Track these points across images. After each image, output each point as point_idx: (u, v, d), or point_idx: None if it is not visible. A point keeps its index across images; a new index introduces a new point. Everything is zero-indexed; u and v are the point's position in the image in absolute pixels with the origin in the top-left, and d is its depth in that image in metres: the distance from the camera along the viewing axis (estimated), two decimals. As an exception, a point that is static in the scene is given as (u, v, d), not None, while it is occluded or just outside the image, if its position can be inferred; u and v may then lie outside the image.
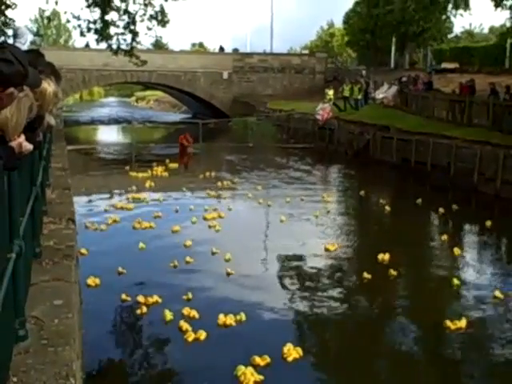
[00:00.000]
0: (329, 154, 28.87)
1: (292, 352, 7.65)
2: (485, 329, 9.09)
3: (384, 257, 11.86)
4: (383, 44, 53.48)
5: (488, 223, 15.02)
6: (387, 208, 17.09)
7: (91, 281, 9.96)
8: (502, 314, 9.54)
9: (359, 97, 33.66)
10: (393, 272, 11.04)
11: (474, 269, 12.16)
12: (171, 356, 7.94)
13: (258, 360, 7.39)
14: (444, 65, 41.64)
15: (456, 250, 12.63)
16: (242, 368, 7.07)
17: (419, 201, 17.75)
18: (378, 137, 26.18)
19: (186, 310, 8.93)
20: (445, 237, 13.95)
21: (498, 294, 9.99)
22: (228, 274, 10.90)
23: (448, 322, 8.77)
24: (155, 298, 9.51)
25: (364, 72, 43.33)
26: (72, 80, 43.59)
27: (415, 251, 13.43)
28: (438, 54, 49.46)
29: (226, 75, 48.82)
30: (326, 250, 12.62)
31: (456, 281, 10.65)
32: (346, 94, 34.19)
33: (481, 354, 8.33)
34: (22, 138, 3.22)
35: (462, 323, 8.76)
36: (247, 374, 6.97)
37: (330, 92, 35.51)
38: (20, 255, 3.40)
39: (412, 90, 31.06)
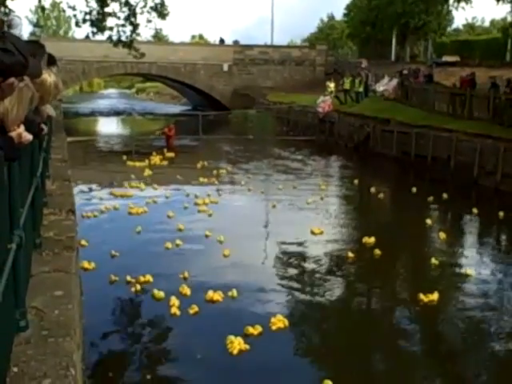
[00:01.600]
0: (328, 147, 28.87)
1: (277, 322, 8.14)
2: (454, 301, 9.86)
3: (368, 240, 12.48)
4: (384, 37, 53.43)
5: (475, 210, 15.50)
6: (381, 196, 17.44)
7: (87, 264, 10.10)
8: (470, 289, 10.31)
9: (360, 89, 33.59)
10: (377, 252, 11.66)
11: (453, 250, 12.98)
12: (165, 331, 8.28)
13: (250, 330, 7.84)
14: (445, 58, 41.63)
15: (441, 234, 13.19)
16: (231, 338, 7.49)
17: (414, 189, 18.09)
18: (378, 130, 26.15)
19: (182, 288, 9.34)
20: (432, 222, 14.51)
21: (469, 271, 10.83)
22: (224, 256, 11.35)
23: (421, 295, 9.37)
24: (148, 277, 9.81)
25: (365, 64, 43.27)
26: (72, 71, 43.54)
27: (402, 235, 14.03)
28: (438, 47, 49.44)
29: (226, 67, 48.73)
30: (312, 233, 13.14)
31: (434, 260, 11.32)
32: (347, 86, 34.13)
33: (450, 323, 9.09)
34: (22, 128, 3.22)
35: (434, 296, 9.39)
36: (235, 342, 7.40)
37: (332, 85, 35.44)
38: (20, 246, 3.39)
39: (413, 82, 31.01)
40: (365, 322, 8.93)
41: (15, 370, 2.98)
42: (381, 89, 33.07)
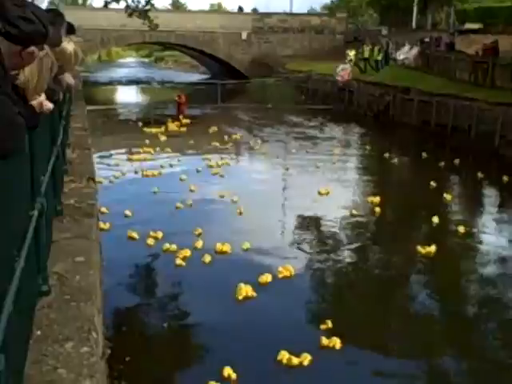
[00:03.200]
0: (347, 116, 28.66)
1: (284, 271, 8.74)
2: (450, 253, 10.67)
3: (374, 199, 13.17)
4: (405, 4, 52.45)
5: (483, 175, 15.93)
6: (394, 162, 18.03)
7: (102, 224, 10.27)
8: (467, 244, 11.03)
9: (379, 58, 33.18)
10: (381, 210, 12.46)
11: (456, 211, 13.65)
12: (179, 282, 8.72)
13: (259, 278, 8.40)
14: (467, 25, 40.79)
15: (447, 196, 13.74)
16: (241, 285, 7.98)
17: (424, 155, 18.48)
18: (399, 98, 25.88)
19: (197, 242, 9.89)
20: (439, 185, 14.80)
21: (461, 229, 11.27)
22: (239, 214, 11.94)
23: (419, 247, 10.06)
24: (162, 233, 10.29)
25: (385, 32, 42.64)
26: (90, 40, 43.40)
27: (409, 196, 14.85)
28: (461, 14, 48.43)
29: (244, 36, 48.33)
30: (319, 193, 13.71)
31: (436, 218, 11.73)
32: (366, 55, 33.73)
33: (444, 271, 9.75)
34: (43, 97, 3.25)
35: (432, 249, 10.04)
36: (242, 289, 7.90)
37: (351, 53, 35.02)
38: (42, 213, 3.46)
39: (434, 51, 30.54)
40: (364, 271, 9.59)
41: (38, 333, 3.06)
42: (401, 57, 32.61)
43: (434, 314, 8.21)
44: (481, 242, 11.13)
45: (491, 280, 9.33)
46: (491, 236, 11.55)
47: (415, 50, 31.91)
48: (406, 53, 32.71)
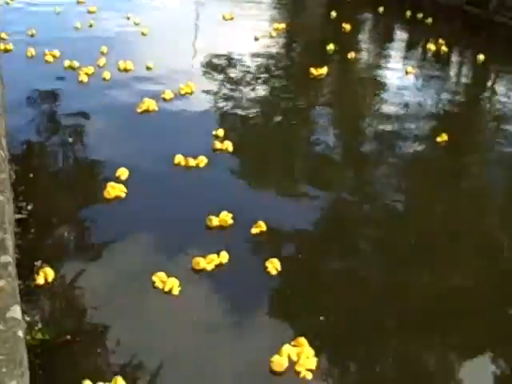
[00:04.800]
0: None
1: (185, 88, 8.79)
2: (338, 76, 10.73)
3: (278, 26, 13.22)
4: None
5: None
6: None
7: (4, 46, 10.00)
8: (352, 69, 11.15)
9: None
10: (277, 34, 12.77)
11: (351, 40, 13.10)
12: (81, 98, 8.30)
13: (166, 94, 8.44)
14: None
15: (345, 26, 13.32)
16: (145, 99, 8.03)
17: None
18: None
19: (100, 61, 9.65)
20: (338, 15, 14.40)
21: (351, 55, 11.31)
22: (144, 34, 11.87)
23: (312, 69, 10.06)
24: (57, 52, 9.89)
25: None
26: None
27: (311, 25, 14.85)
28: None
29: None
30: (223, 18, 13.84)
31: (331, 46, 11.64)
32: None
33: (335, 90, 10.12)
34: None
35: (323, 70, 10.07)
36: (145, 103, 7.97)
37: None
38: None
39: None
40: (262, 95, 9.29)
41: None
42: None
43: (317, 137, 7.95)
44: (371, 70, 11.22)
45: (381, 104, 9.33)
46: (388, 67, 11.53)
47: None
48: None
